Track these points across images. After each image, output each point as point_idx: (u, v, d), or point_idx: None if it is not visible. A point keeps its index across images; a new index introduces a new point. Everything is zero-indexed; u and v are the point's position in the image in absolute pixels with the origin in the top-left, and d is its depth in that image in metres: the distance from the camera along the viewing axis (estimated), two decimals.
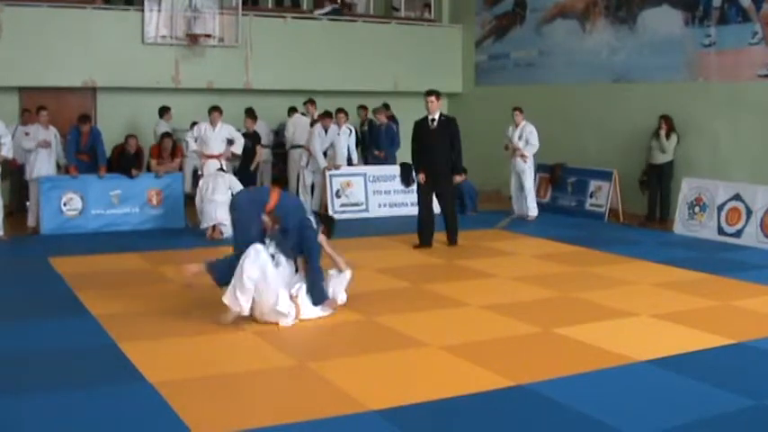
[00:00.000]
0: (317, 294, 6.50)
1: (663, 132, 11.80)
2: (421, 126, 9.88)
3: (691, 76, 12.12)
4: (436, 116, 9.76)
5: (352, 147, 13.02)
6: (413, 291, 7.75)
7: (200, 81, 13.82)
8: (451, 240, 9.95)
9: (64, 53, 12.78)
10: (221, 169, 11.08)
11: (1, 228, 10.12)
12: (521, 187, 12.45)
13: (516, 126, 12.39)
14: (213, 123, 11.34)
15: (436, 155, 9.70)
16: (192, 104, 13.20)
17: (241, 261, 6.19)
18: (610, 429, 4.48)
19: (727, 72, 11.61)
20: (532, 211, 12.37)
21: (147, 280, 8.08)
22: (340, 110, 12.82)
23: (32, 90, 12.95)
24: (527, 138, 12.28)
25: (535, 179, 12.85)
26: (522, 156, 12.27)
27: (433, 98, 9.75)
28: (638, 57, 12.90)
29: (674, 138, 11.85)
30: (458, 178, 10.03)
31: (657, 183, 12.02)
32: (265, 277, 6.19)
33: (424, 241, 9.78)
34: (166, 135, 12.07)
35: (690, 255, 9.71)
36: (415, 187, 10.53)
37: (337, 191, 12.49)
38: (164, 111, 13.06)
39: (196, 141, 11.24)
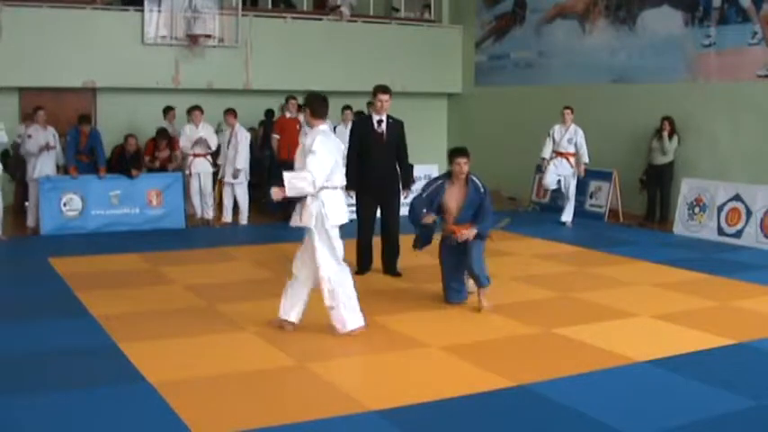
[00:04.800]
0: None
1: (665, 134, 11.79)
2: (364, 128, 8.32)
3: (691, 77, 12.12)
4: (384, 117, 8.21)
5: None
6: (413, 291, 7.75)
7: (201, 81, 13.82)
8: (391, 267, 8.40)
9: (64, 53, 12.78)
10: (214, 164, 11.68)
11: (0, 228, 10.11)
12: (559, 188, 12.09)
13: (566, 127, 11.92)
14: (196, 122, 11.50)
15: (383, 163, 8.19)
16: (190, 105, 13.17)
17: None
18: (610, 429, 4.48)
19: (727, 72, 11.61)
20: (569, 216, 12.02)
21: (147, 280, 8.08)
22: (346, 107, 12.93)
23: (32, 90, 12.95)
24: (578, 141, 11.80)
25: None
26: (580, 164, 11.83)
27: (387, 97, 8.11)
28: (638, 57, 12.90)
29: (675, 139, 11.84)
30: (406, 192, 8.50)
31: (657, 183, 12.02)
32: None
33: (366, 266, 8.43)
34: (162, 131, 12.09)
35: (690, 255, 9.71)
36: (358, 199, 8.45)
37: None
38: (167, 111, 13.01)
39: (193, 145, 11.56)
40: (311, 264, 6.17)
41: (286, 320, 6.30)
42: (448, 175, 7.06)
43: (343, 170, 6.33)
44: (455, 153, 6.99)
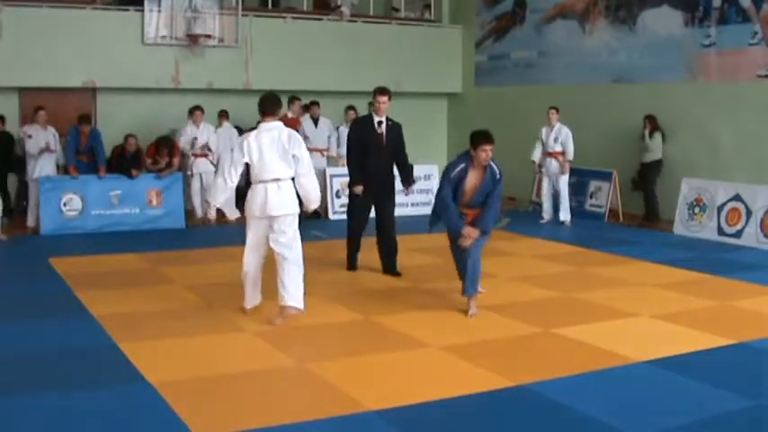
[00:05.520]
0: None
1: (646, 132, 11.90)
2: (364, 129, 8.38)
3: (691, 77, 12.12)
4: (384, 119, 8.34)
5: None
6: (413, 291, 7.76)
7: (201, 81, 13.82)
8: (391, 267, 8.47)
9: (64, 53, 12.77)
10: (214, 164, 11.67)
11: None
12: (554, 192, 12.16)
13: (551, 127, 12.04)
14: (197, 123, 11.53)
15: (382, 163, 8.31)
16: (192, 105, 13.19)
17: None
18: (610, 429, 4.48)
19: (727, 72, 11.61)
20: (566, 215, 12.08)
21: (147, 280, 8.08)
22: (350, 107, 12.95)
23: (32, 90, 12.95)
24: (563, 141, 11.90)
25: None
26: (564, 161, 11.91)
27: (386, 98, 8.24)
28: (638, 57, 12.90)
29: (657, 137, 11.93)
30: (409, 190, 8.67)
31: (647, 182, 12.10)
32: None
33: (354, 265, 8.64)
34: (164, 139, 12.08)
35: (690, 255, 9.71)
36: (351, 198, 8.67)
37: (337, 191, 12.50)
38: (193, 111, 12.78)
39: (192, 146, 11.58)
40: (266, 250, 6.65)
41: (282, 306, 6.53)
42: (469, 159, 6.79)
43: (278, 164, 6.43)
44: (481, 139, 6.69)
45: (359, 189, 8.31)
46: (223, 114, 12.33)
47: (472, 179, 6.79)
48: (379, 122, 8.33)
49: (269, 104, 6.61)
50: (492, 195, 6.81)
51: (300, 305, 6.46)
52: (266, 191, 6.39)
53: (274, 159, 6.39)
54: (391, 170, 8.44)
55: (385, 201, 8.42)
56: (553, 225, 12.03)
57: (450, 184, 6.78)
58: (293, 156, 6.43)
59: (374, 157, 8.26)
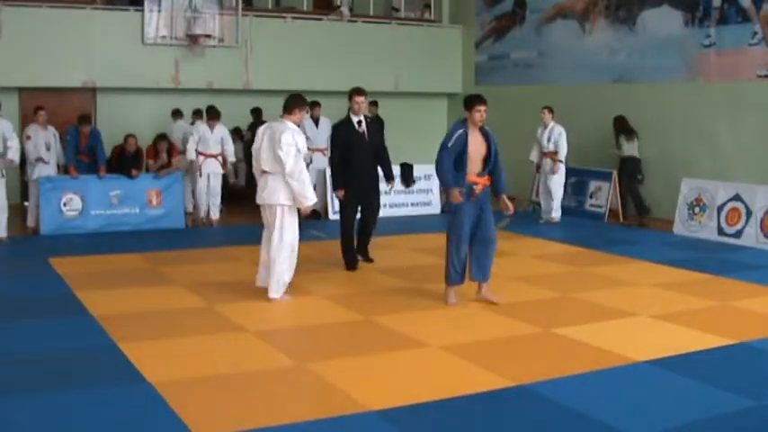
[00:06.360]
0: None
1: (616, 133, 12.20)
2: (346, 131, 8.54)
3: (691, 77, 12.13)
4: (362, 117, 8.58)
5: None
6: (413, 291, 7.75)
7: (201, 81, 13.83)
8: (363, 251, 8.85)
9: (64, 53, 12.79)
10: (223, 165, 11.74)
11: (5, 229, 10.05)
12: (548, 190, 12.21)
13: (545, 127, 12.10)
14: (211, 125, 11.49)
15: (367, 163, 8.53)
16: (192, 105, 13.20)
17: None
18: (610, 429, 4.48)
19: (727, 72, 11.61)
20: (556, 212, 12.16)
21: (147, 280, 8.07)
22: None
23: (32, 90, 12.96)
24: (556, 140, 11.96)
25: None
26: (555, 160, 11.96)
27: (363, 98, 8.51)
28: (638, 57, 12.91)
29: (621, 139, 12.13)
30: (390, 186, 8.95)
31: (625, 180, 12.29)
32: None
33: (355, 264, 8.67)
34: (160, 137, 12.06)
35: (690, 255, 9.71)
36: (341, 201, 8.81)
37: None
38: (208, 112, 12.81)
39: (198, 143, 11.50)
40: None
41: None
42: (466, 124, 6.98)
43: (268, 158, 7.06)
44: (476, 100, 6.94)
45: (340, 194, 8.57)
46: (197, 114, 12.56)
47: (474, 144, 6.98)
48: (359, 122, 8.56)
49: (286, 104, 7.29)
50: (497, 161, 7.05)
51: (274, 295, 7.15)
52: (259, 181, 7.20)
53: (265, 153, 7.08)
54: (375, 168, 8.71)
55: (370, 199, 8.67)
56: (552, 225, 12.02)
57: (451, 153, 6.94)
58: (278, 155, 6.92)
59: (359, 155, 8.48)
